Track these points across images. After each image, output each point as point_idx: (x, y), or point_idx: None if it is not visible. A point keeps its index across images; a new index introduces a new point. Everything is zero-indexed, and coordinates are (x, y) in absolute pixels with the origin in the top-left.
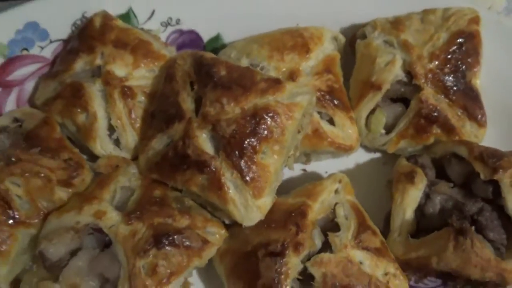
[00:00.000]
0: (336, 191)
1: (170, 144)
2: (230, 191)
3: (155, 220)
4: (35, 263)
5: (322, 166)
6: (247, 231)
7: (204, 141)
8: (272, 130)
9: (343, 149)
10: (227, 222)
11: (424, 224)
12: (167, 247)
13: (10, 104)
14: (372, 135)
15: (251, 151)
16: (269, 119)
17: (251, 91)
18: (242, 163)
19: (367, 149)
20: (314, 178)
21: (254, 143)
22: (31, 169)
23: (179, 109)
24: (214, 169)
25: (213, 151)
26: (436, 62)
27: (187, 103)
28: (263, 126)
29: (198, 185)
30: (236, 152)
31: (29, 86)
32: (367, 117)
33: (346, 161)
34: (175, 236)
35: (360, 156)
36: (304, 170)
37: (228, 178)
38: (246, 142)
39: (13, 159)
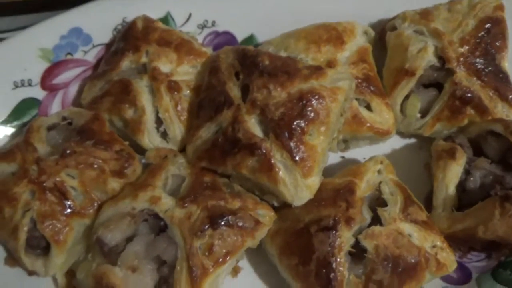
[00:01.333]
0: (379, 172)
1: (218, 132)
2: (280, 172)
3: (209, 202)
4: (89, 252)
5: (360, 152)
6: (297, 210)
7: (253, 125)
8: (318, 112)
9: (381, 134)
10: (276, 204)
11: (465, 200)
12: (222, 227)
13: (55, 106)
14: (408, 120)
15: (300, 132)
16: (315, 101)
17: (296, 77)
18: (292, 143)
19: (403, 135)
20: (353, 164)
21: (302, 125)
22: (86, 160)
23: (227, 97)
24: (264, 151)
25: (262, 134)
26: (467, 47)
27: (234, 92)
28: (309, 108)
29: (249, 168)
30: (286, 133)
31: (73, 89)
32: (402, 103)
33: (383, 147)
34: (229, 217)
35: (396, 142)
36: (343, 157)
37: (278, 159)
38: (294, 123)
39: (68, 151)
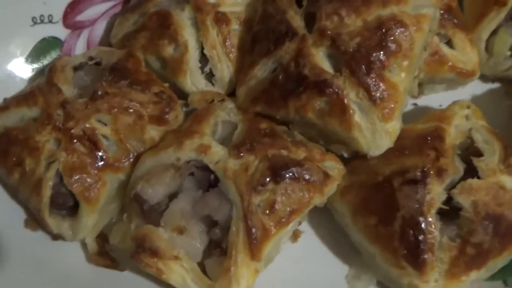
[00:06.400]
0: (467, 117)
1: (277, 69)
2: (356, 115)
3: (269, 151)
4: (125, 212)
5: (434, 99)
6: (373, 162)
7: (321, 59)
8: (401, 43)
9: (464, 75)
10: (345, 155)
11: None
12: (286, 181)
13: (79, 47)
14: (495, 60)
15: (379, 66)
16: (396, 30)
17: (372, 1)
18: (370, 80)
19: (485, 78)
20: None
21: (382, 57)
22: (120, 103)
23: (290, 27)
24: (336, 90)
25: (333, 70)
26: None
27: (297, 21)
28: (391, 38)
29: (316, 111)
30: (363, 67)
31: (100, 27)
32: (488, 40)
33: (461, 93)
34: (295, 169)
35: (477, 87)
36: (415, 104)
37: (353, 100)
38: (373, 56)
39: (100, 92)
